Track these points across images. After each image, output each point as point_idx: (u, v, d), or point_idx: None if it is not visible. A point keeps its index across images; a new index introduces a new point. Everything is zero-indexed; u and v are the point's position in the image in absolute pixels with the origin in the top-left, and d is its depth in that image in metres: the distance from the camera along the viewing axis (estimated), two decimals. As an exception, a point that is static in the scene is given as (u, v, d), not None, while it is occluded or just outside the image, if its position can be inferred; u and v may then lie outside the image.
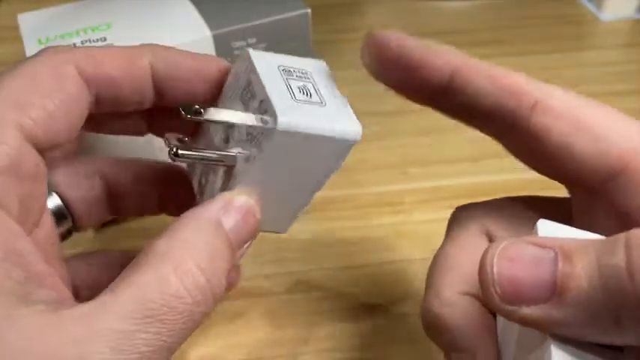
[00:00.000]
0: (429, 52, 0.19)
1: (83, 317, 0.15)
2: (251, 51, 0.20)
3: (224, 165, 0.20)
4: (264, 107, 0.18)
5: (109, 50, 0.20)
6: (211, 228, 0.17)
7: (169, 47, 0.21)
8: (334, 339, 0.28)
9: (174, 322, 0.15)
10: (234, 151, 0.19)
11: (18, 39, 0.29)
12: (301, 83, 0.19)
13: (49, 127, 0.18)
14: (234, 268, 0.20)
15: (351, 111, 0.20)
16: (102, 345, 0.14)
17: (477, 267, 0.16)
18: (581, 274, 0.14)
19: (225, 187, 0.19)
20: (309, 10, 0.31)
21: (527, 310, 0.15)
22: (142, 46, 0.20)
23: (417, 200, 0.34)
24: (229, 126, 0.20)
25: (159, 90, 0.20)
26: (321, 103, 0.19)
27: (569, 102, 0.19)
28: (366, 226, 0.33)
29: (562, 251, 0.15)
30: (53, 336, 0.14)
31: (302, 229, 0.33)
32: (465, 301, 0.19)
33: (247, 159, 0.19)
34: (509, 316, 0.15)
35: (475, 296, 0.19)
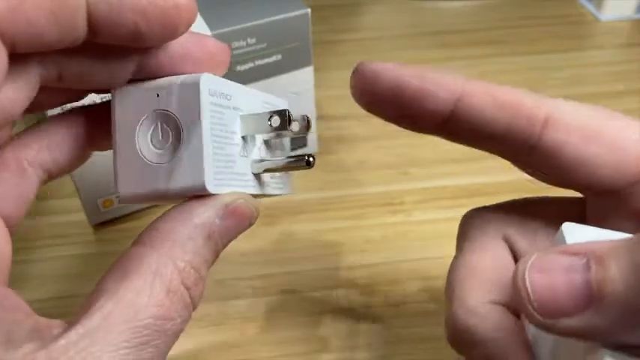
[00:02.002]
0: (426, 81, 0.18)
1: (76, 350, 0.14)
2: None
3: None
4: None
5: None
6: (202, 237, 0.16)
7: None
8: (334, 339, 0.28)
9: (164, 344, 0.15)
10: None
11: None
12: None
13: None
14: None
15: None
16: None
17: (500, 273, 0.16)
18: (616, 276, 0.14)
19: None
20: (309, 10, 0.31)
21: (568, 322, 0.14)
22: None
23: (417, 200, 0.34)
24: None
25: (93, 31, 0.15)
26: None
27: (579, 114, 0.18)
28: (366, 226, 0.33)
29: (594, 256, 0.14)
30: None
31: (302, 229, 0.33)
32: (494, 311, 0.19)
33: (274, 185, 0.20)
34: (551, 330, 0.15)
35: (504, 304, 0.19)
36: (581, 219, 0.19)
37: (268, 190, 0.19)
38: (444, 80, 0.18)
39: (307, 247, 0.32)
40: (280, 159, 0.18)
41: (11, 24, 0.14)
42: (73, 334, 0.14)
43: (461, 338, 0.19)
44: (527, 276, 0.15)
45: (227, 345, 0.27)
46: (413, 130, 0.19)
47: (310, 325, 0.28)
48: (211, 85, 0.16)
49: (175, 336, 0.16)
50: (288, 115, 0.17)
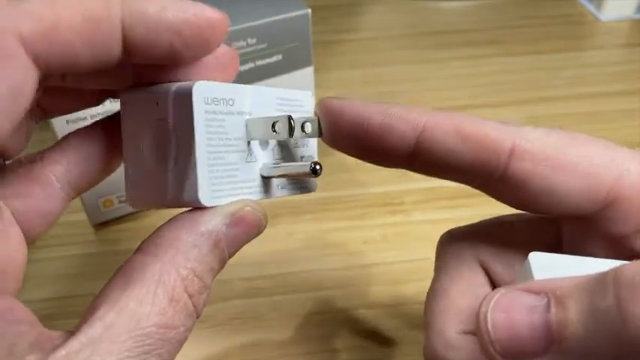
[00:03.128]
0: (388, 116, 0.18)
1: (79, 357, 0.14)
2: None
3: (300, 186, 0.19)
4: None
5: (65, 7, 0.14)
6: (208, 245, 0.16)
7: None
8: (334, 339, 0.28)
9: (169, 352, 0.15)
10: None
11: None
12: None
13: None
14: None
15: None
16: None
17: (475, 302, 0.16)
18: (574, 319, 0.14)
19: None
20: (309, 11, 0.31)
21: None
22: None
23: (417, 200, 0.34)
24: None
25: (131, 52, 0.15)
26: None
27: (546, 142, 0.18)
28: (366, 226, 0.33)
29: (554, 295, 0.14)
30: None
31: (302, 229, 0.33)
32: (470, 343, 0.19)
33: (280, 187, 0.19)
34: None
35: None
36: (558, 238, 0.19)
37: (284, 192, 0.19)
38: (406, 114, 0.18)
39: (307, 247, 0.32)
40: (287, 165, 0.18)
41: (45, 47, 0.14)
42: (75, 343, 0.14)
43: None
44: (489, 316, 0.15)
45: (229, 345, 0.27)
46: (379, 165, 0.19)
47: (311, 325, 0.28)
48: (207, 92, 0.16)
49: (179, 344, 0.15)
50: (290, 123, 0.17)
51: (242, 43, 0.31)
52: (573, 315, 0.14)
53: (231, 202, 0.17)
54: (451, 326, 0.19)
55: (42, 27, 0.14)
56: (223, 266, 0.17)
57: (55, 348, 0.14)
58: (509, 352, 0.15)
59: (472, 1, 0.53)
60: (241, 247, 0.17)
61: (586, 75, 0.44)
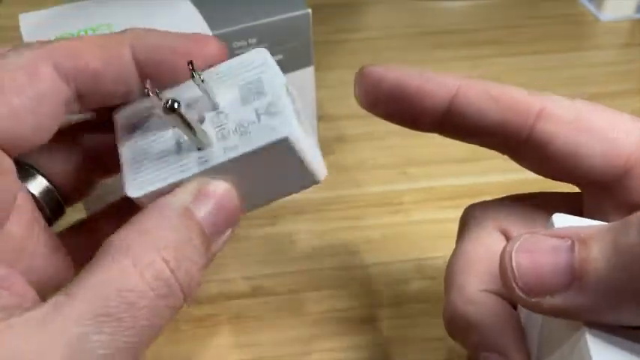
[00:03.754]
0: (425, 80, 0.19)
1: (35, 324, 0.14)
2: (268, 55, 0.20)
3: (198, 143, 0.18)
4: (272, 110, 0.18)
5: (87, 41, 0.19)
6: (177, 216, 0.16)
7: (153, 30, 0.19)
8: (334, 339, 0.28)
9: (135, 319, 0.14)
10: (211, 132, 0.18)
11: (18, 39, 0.29)
12: (294, 106, 0.19)
13: (13, 124, 0.17)
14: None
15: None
16: (55, 354, 0.14)
17: (496, 264, 0.16)
18: (598, 256, 0.14)
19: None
20: (309, 10, 0.31)
21: (552, 300, 0.15)
22: (122, 32, 0.19)
23: (417, 200, 0.34)
24: (213, 108, 0.19)
25: (145, 77, 0.19)
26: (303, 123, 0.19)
27: (571, 107, 0.19)
28: (366, 226, 0.33)
29: (578, 238, 0.15)
30: (4, 348, 0.13)
31: (302, 229, 0.33)
32: (489, 299, 0.19)
33: (227, 149, 0.18)
34: (534, 308, 0.15)
35: (498, 293, 0.19)
36: (579, 214, 0.20)
37: (233, 153, 0.18)
38: (441, 79, 0.19)
39: (307, 247, 0.32)
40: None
41: (70, 66, 0.18)
42: (38, 309, 0.14)
43: (457, 325, 0.20)
44: (513, 256, 0.15)
45: (229, 345, 0.27)
46: (412, 128, 0.20)
47: (311, 324, 0.28)
48: (127, 113, 0.20)
49: (153, 314, 0.15)
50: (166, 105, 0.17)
51: (242, 43, 0.31)
52: (596, 253, 0.14)
53: (193, 181, 0.18)
54: (470, 285, 0.20)
55: (68, 54, 0.18)
56: (207, 243, 0.17)
57: (21, 312, 0.14)
58: (532, 290, 0.15)
59: (472, 1, 0.53)
60: (222, 223, 0.17)
61: (586, 75, 0.44)
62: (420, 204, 0.34)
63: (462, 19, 0.51)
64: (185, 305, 0.16)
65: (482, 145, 0.20)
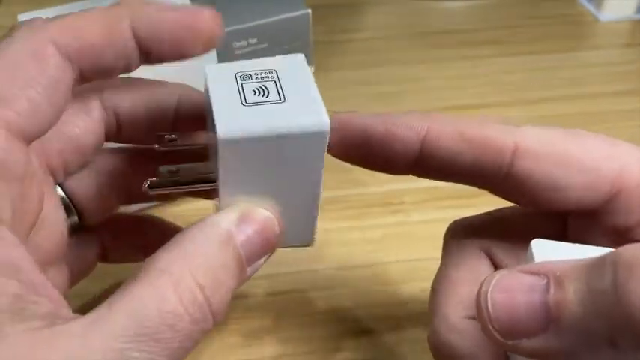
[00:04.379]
0: (392, 124, 0.19)
1: (77, 334, 0.14)
2: (207, 68, 0.19)
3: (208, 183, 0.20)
4: (213, 121, 0.18)
5: (86, 17, 0.18)
6: (218, 241, 0.17)
7: (150, 3, 0.19)
8: (335, 339, 0.28)
9: (171, 340, 0.15)
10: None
11: (18, 39, 0.29)
12: (259, 84, 0.19)
13: (36, 118, 0.17)
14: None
15: (318, 102, 0.19)
16: None
17: (476, 288, 0.16)
18: (572, 299, 0.14)
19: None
20: (309, 11, 0.31)
21: (528, 343, 0.14)
22: (121, 6, 0.19)
23: (417, 200, 0.34)
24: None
25: (145, 50, 0.19)
26: (280, 99, 0.18)
27: (547, 140, 0.18)
28: (366, 226, 0.33)
29: (554, 277, 0.14)
30: (46, 353, 0.14)
31: (302, 229, 0.33)
32: (471, 326, 0.19)
33: (217, 173, 0.18)
34: (512, 350, 0.15)
35: None
36: (562, 231, 0.20)
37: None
38: (408, 122, 0.19)
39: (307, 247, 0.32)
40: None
41: (74, 48, 0.18)
42: (80, 321, 0.14)
43: (442, 353, 0.19)
44: (489, 296, 0.15)
45: (229, 345, 0.27)
46: (385, 172, 0.20)
47: (311, 325, 0.28)
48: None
49: (185, 336, 0.15)
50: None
51: (243, 43, 0.31)
52: (571, 295, 0.14)
53: (240, 204, 0.18)
54: (454, 311, 0.19)
55: (69, 33, 0.18)
56: (242, 268, 0.17)
57: (62, 322, 0.14)
58: (508, 331, 0.15)
59: (472, 1, 0.53)
60: (259, 250, 0.18)
61: (586, 75, 0.44)
62: (421, 204, 0.34)
63: (462, 19, 0.51)
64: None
65: (460, 183, 0.20)
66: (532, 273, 0.15)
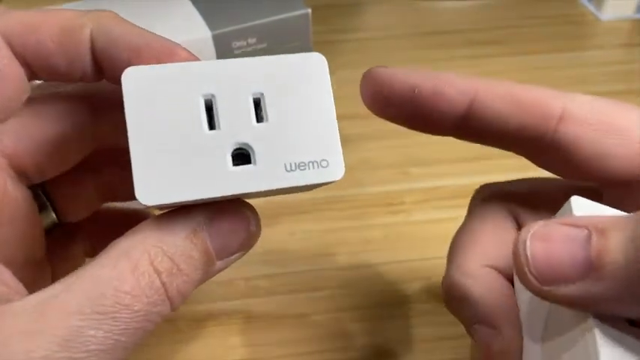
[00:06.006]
0: (440, 81, 0.18)
1: (32, 310, 0.14)
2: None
3: None
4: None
5: (48, 17, 0.17)
6: (184, 231, 0.16)
7: (123, 22, 0.18)
8: (334, 339, 0.28)
9: (128, 320, 0.15)
10: None
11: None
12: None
13: None
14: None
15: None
16: (50, 340, 0.14)
17: (500, 240, 0.16)
18: (616, 247, 0.14)
19: None
20: (309, 10, 0.31)
21: (565, 289, 0.14)
22: (87, 14, 0.18)
23: (417, 200, 0.34)
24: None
25: (98, 66, 0.18)
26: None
27: (594, 108, 0.18)
28: (366, 226, 0.33)
29: (595, 228, 0.14)
30: (0, 328, 0.14)
31: (302, 229, 0.33)
32: (487, 273, 0.19)
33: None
34: (547, 297, 0.15)
35: (497, 269, 0.19)
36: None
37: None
38: (457, 81, 0.18)
39: (308, 247, 0.32)
40: None
41: (23, 45, 0.17)
42: (32, 298, 0.14)
43: (453, 295, 0.20)
44: (528, 244, 0.15)
45: (229, 345, 0.27)
46: (425, 132, 0.19)
47: (312, 325, 0.28)
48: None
49: (144, 318, 0.15)
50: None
51: (242, 43, 0.31)
52: (614, 244, 0.14)
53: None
54: (473, 259, 0.19)
55: (22, 28, 0.17)
56: (209, 261, 0.17)
57: (8, 301, 0.14)
58: (545, 276, 0.15)
59: (472, 1, 0.53)
60: (233, 246, 0.17)
61: (586, 75, 0.44)
62: (421, 204, 0.34)
63: (462, 19, 0.51)
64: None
65: (500, 147, 0.19)
66: (573, 225, 0.15)
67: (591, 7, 0.52)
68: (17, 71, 0.17)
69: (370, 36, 0.49)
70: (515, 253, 0.15)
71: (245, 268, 0.31)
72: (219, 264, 0.17)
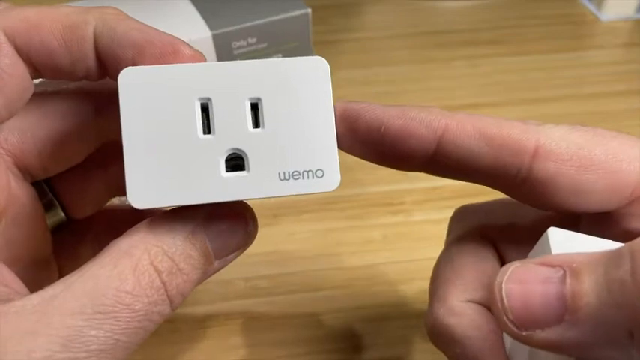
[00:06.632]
0: (409, 119, 0.17)
1: (33, 310, 0.14)
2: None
3: None
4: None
5: (52, 14, 0.17)
6: (184, 231, 0.16)
7: (127, 20, 0.18)
8: (334, 339, 0.28)
9: (129, 320, 0.15)
10: None
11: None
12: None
13: None
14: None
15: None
16: (51, 340, 0.14)
17: (481, 272, 0.16)
18: (589, 290, 0.14)
19: None
20: (309, 10, 0.31)
21: (543, 334, 0.14)
22: (90, 11, 0.17)
23: (417, 200, 0.34)
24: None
25: (102, 64, 0.18)
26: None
27: (568, 141, 0.17)
28: (366, 226, 0.33)
29: (570, 268, 0.14)
30: (1, 328, 0.14)
31: (302, 229, 0.33)
32: (471, 310, 0.19)
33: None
34: (526, 342, 0.15)
35: (482, 303, 0.19)
36: (575, 227, 0.19)
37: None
38: (426, 118, 0.17)
39: (308, 247, 0.32)
40: None
41: (26, 42, 0.17)
42: (33, 297, 0.14)
43: (439, 335, 0.19)
44: (503, 286, 0.15)
45: (229, 345, 0.27)
46: (396, 169, 0.19)
47: (312, 325, 0.28)
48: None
49: (145, 318, 0.15)
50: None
51: (242, 43, 0.31)
52: (588, 286, 0.14)
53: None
54: (454, 294, 0.19)
55: (25, 26, 0.17)
56: (208, 260, 0.17)
57: (9, 301, 0.14)
58: (522, 321, 0.15)
59: (472, 1, 0.53)
60: (231, 245, 0.17)
61: (586, 75, 0.44)
62: (421, 204, 0.34)
63: (462, 19, 0.51)
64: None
65: (474, 183, 0.19)
66: (548, 265, 0.15)
67: (591, 7, 0.52)
68: (20, 69, 0.17)
69: (370, 36, 0.49)
70: (492, 297, 0.15)
71: (245, 268, 0.31)
72: (216, 263, 0.17)
